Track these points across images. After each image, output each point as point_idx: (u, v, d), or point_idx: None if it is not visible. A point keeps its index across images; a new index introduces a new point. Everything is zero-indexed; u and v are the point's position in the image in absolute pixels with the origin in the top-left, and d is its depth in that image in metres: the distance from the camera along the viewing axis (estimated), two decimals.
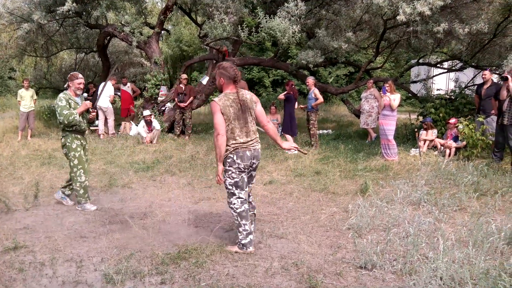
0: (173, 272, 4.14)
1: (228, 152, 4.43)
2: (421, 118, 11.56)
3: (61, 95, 5.99)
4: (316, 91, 10.59)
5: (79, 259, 4.48)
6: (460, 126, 9.24)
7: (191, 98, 12.67)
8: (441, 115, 10.97)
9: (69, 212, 6.08)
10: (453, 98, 11.92)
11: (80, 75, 6.16)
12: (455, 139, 9.79)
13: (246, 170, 4.53)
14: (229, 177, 4.49)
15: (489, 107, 9.56)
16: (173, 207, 6.39)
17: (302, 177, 8.11)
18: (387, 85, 9.43)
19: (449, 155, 9.52)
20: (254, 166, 4.62)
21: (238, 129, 4.44)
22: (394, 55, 15.74)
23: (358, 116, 13.49)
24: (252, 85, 24.03)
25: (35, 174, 8.18)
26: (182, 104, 12.49)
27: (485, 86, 9.75)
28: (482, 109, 9.74)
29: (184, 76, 12.91)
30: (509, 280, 3.57)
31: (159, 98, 13.49)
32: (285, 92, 10.78)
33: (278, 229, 5.39)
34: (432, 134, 10.29)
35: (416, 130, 10.83)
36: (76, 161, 6.08)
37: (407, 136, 11.99)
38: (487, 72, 9.85)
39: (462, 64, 13.34)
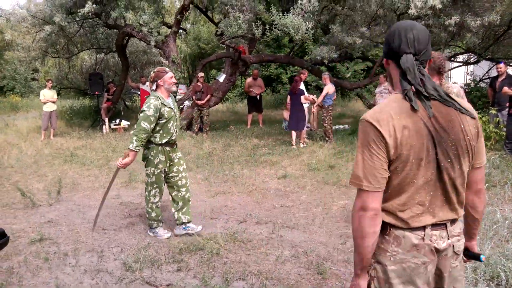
0: (189, 260, 4.37)
1: None
2: None
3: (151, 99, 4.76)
4: (327, 87, 10.70)
5: (100, 249, 4.74)
6: None
7: (208, 96, 12.86)
8: None
9: (90, 207, 6.35)
10: (467, 91, 11.93)
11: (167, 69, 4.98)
12: None
13: None
14: None
15: (503, 99, 9.54)
16: (191, 201, 6.60)
17: (316, 171, 8.26)
18: None
19: None
20: None
21: None
22: None
23: None
24: (270, 82, 24.16)
25: (58, 172, 8.48)
26: (199, 102, 12.71)
27: (500, 79, 9.77)
28: (497, 102, 9.76)
29: (201, 74, 13.12)
30: (509, 266, 3.70)
31: (177, 97, 13.73)
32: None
33: (290, 220, 5.58)
34: None
35: None
36: (154, 178, 5.01)
37: None
38: (502, 65, 9.87)
39: (476, 57, 13.31)
